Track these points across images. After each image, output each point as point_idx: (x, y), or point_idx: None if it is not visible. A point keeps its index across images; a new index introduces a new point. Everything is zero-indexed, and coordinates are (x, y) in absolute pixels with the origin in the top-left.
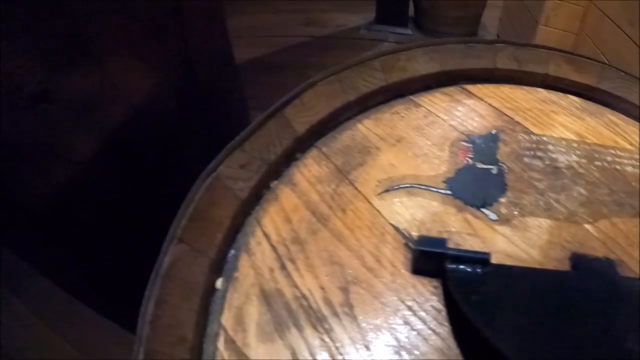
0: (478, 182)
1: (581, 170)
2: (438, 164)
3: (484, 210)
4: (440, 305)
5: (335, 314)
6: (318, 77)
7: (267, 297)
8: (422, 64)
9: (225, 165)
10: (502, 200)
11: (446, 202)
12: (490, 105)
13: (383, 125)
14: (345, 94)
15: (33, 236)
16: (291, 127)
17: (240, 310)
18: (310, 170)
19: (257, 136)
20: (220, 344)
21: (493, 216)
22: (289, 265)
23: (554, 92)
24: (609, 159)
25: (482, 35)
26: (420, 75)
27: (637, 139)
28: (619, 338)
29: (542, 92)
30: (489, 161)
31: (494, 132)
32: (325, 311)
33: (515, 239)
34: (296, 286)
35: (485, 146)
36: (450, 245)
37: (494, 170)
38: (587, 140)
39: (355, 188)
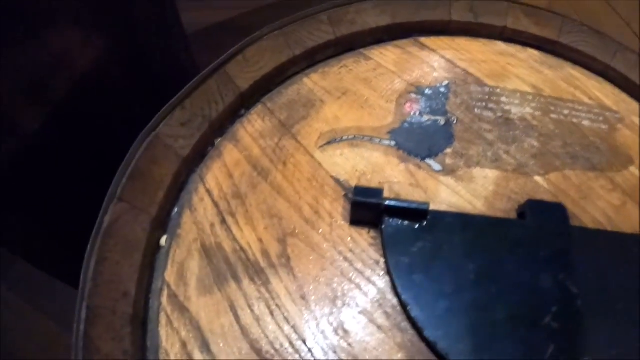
0: (424, 133)
1: (535, 123)
2: (383, 116)
3: (428, 161)
4: (378, 256)
5: (272, 266)
6: (262, 32)
7: (207, 252)
8: (372, 17)
9: (165, 124)
10: (448, 151)
11: (389, 153)
12: (443, 57)
13: (330, 78)
14: (290, 49)
15: None
16: (234, 83)
17: (182, 265)
18: (254, 125)
19: (199, 93)
20: (164, 298)
21: (437, 167)
22: (229, 220)
23: (513, 45)
24: (566, 112)
25: None
26: (370, 29)
27: (597, 93)
28: (567, 288)
29: (500, 45)
30: (437, 112)
31: (445, 83)
32: (263, 263)
33: (459, 190)
34: (235, 239)
35: (434, 97)
36: (390, 196)
37: (442, 121)
38: (544, 93)
39: (298, 141)
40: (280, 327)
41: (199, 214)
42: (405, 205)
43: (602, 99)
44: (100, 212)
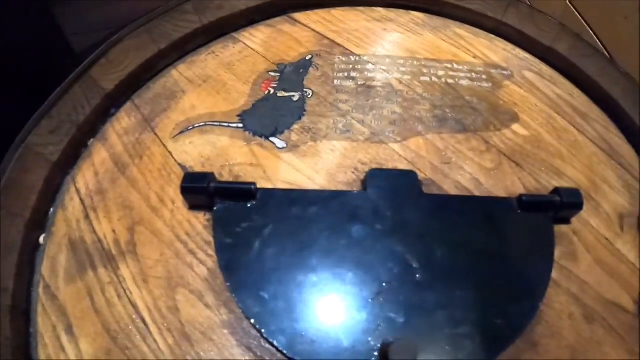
0: (273, 112)
1: (400, 87)
2: (237, 98)
3: (272, 139)
4: (210, 238)
5: (122, 253)
6: (124, 32)
7: (73, 245)
8: None
9: (34, 134)
10: (296, 127)
11: (235, 135)
12: (313, 30)
13: (195, 67)
14: (155, 43)
15: None
16: (99, 86)
17: (54, 259)
18: (121, 123)
19: (64, 101)
20: (40, 289)
21: (281, 144)
22: (92, 214)
23: (395, 9)
24: (441, 73)
25: None
26: (240, 11)
27: (485, 51)
28: (406, 262)
29: (380, 11)
30: (293, 88)
31: (308, 57)
32: (115, 251)
33: (300, 166)
34: (95, 232)
35: (293, 74)
36: (230, 178)
37: (296, 97)
38: (418, 56)
39: (155, 134)
40: (125, 308)
41: (69, 211)
42: (230, 186)
43: (490, 56)
44: None
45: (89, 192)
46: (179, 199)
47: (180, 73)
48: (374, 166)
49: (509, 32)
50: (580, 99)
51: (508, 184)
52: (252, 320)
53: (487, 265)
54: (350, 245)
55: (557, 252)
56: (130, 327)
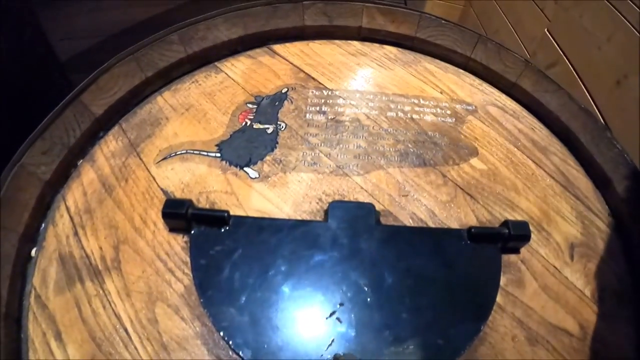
0: (249, 143)
1: (367, 122)
2: (216, 128)
3: (246, 169)
4: (186, 258)
5: (107, 269)
6: (113, 61)
7: (63, 259)
8: (223, 31)
9: (28, 155)
10: (268, 158)
11: (213, 164)
12: (290, 63)
13: (179, 95)
14: (142, 71)
15: None
16: (89, 111)
17: (45, 271)
18: (108, 146)
19: (56, 124)
20: (32, 299)
21: (253, 174)
22: (80, 231)
23: (370, 43)
24: (407, 108)
25: None
26: (222, 42)
27: (451, 86)
28: (358, 284)
29: (356, 45)
30: (268, 121)
31: (284, 90)
32: (101, 267)
33: (270, 195)
34: (83, 248)
35: (269, 106)
36: (206, 204)
37: (270, 129)
38: (387, 91)
39: (140, 159)
40: (109, 318)
41: (59, 228)
42: (206, 213)
43: (457, 91)
44: None
45: (78, 210)
46: (160, 222)
47: (165, 100)
48: (337, 197)
49: (477, 68)
50: (541, 133)
51: (461, 216)
52: (222, 333)
53: (433, 291)
54: (310, 270)
55: (504, 279)
56: (114, 335)
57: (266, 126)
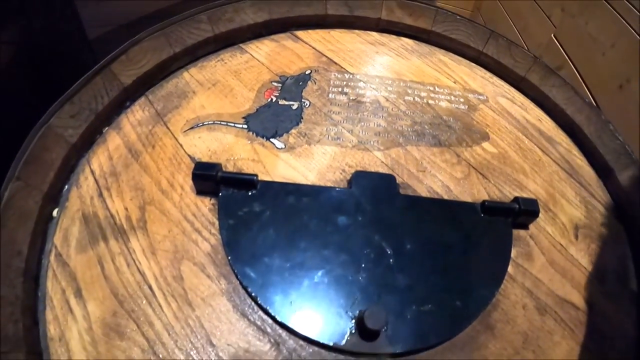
0: (275, 117)
1: (386, 104)
2: (242, 103)
3: (272, 140)
4: (214, 219)
5: (133, 228)
6: (143, 34)
7: (86, 219)
8: (250, 15)
9: (56, 117)
10: (294, 131)
11: (240, 135)
12: (313, 48)
13: (205, 71)
14: (171, 47)
15: None
16: (118, 80)
17: (67, 230)
18: (135, 115)
19: (86, 89)
20: (52, 257)
21: (280, 145)
22: (105, 193)
23: (387, 35)
24: (423, 94)
25: None
26: (248, 25)
27: (464, 77)
28: (382, 248)
29: (374, 35)
30: (293, 98)
31: (307, 72)
32: (126, 226)
33: (295, 164)
34: (107, 208)
35: (293, 85)
36: (234, 170)
37: (295, 106)
38: (405, 78)
39: (167, 127)
40: (133, 275)
41: (83, 189)
42: (235, 176)
43: (469, 82)
44: (1, 189)
45: (103, 173)
46: (187, 185)
47: (191, 75)
48: (359, 169)
49: (488, 62)
50: (547, 124)
51: (474, 192)
52: (249, 289)
53: (450, 257)
54: (335, 232)
55: (514, 252)
56: (138, 292)
57: (291, 103)
